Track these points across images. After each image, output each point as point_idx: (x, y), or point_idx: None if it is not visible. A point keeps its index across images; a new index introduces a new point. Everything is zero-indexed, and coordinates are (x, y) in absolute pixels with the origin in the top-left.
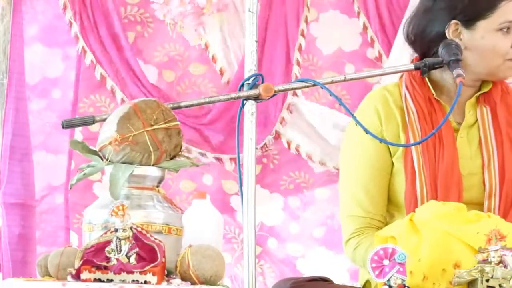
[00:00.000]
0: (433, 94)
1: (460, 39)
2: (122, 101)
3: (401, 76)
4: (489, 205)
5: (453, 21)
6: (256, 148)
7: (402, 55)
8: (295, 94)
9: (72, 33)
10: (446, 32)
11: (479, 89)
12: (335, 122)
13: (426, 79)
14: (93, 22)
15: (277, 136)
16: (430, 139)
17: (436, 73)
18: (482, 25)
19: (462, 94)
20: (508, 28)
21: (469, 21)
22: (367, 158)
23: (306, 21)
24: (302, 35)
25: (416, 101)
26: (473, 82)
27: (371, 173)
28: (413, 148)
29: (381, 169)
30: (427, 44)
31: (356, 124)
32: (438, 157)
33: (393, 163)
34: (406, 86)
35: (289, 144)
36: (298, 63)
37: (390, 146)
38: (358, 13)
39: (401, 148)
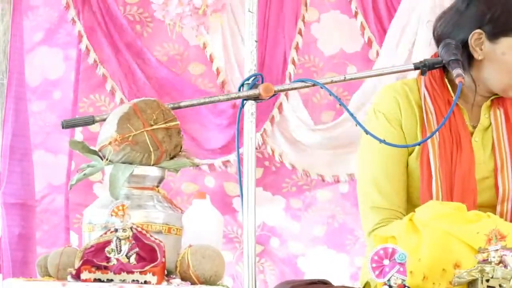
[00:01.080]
0: (452, 97)
1: (481, 49)
2: (121, 101)
3: (419, 74)
4: (501, 210)
5: (478, 30)
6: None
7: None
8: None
9: (75, 31)
10: (469, 39)
11: (495, 94)
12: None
13: (446, 80)
14: (96, 21)
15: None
16: (448, 142)
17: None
18: (506, 42)
19: (478, 101)
20: None
21: (493, 34)
22: (390, 149)
23: (303, 20)
24: (300, 34)
25: (436, 103)
26: (487, 93)
27: (393, 164)
28: (430, 149)
29: (402, 162)
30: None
31: (387, 113)
32: (455, 161)
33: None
34: (426, 86)
35: (273, 151)
36: (294, 63)
37: (408, 142)
38: (356, 13)
39: (418, 148)
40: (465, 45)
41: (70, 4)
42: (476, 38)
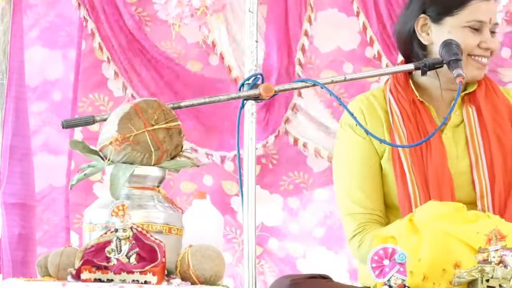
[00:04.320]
0: (417, 96)
1: (428, 34)
2: (132, 97)
3: (387, 81)
4: (482, 206)
5: (422, 15)
6: (257, 148)
7: None
8: (300, 95)
9: (88, 29)
10: (415, 26)
11: (465, 90)
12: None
13: (410, 82)
14: (105, 18)
15: (281, 134)
16: (416, 139)
17: (418, 76)
18: (450, 21)
19: (445, 96)
20: (477, 28)
21: (437, 16)
22: (358, 157)
23: (309, 21)
24: (306, 35)
25: (400, 104)
26: (450, 85)
27: (364, 171)
28: (400, 150)
29: (373, 167)
30: (403, 45)
31: (353, 125)
32: (426, 156)
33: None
34: (390, 90)
35: (296, 141)
36: (300, 63)
37: (376, 146)
38: (358, 12)
39: (388, 150)
40: (414, 35)
41: (80, 3)
42: (422, 24)
